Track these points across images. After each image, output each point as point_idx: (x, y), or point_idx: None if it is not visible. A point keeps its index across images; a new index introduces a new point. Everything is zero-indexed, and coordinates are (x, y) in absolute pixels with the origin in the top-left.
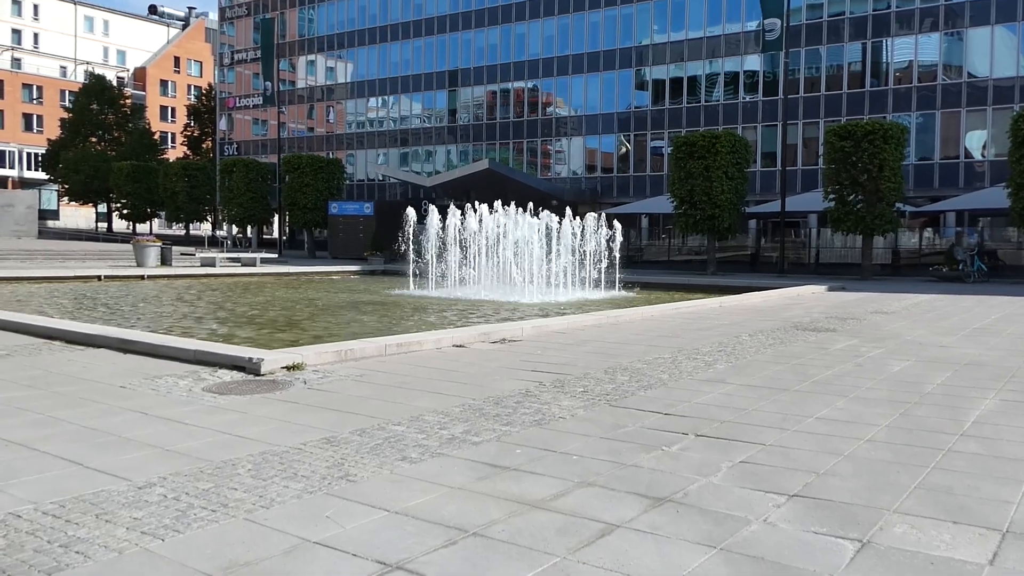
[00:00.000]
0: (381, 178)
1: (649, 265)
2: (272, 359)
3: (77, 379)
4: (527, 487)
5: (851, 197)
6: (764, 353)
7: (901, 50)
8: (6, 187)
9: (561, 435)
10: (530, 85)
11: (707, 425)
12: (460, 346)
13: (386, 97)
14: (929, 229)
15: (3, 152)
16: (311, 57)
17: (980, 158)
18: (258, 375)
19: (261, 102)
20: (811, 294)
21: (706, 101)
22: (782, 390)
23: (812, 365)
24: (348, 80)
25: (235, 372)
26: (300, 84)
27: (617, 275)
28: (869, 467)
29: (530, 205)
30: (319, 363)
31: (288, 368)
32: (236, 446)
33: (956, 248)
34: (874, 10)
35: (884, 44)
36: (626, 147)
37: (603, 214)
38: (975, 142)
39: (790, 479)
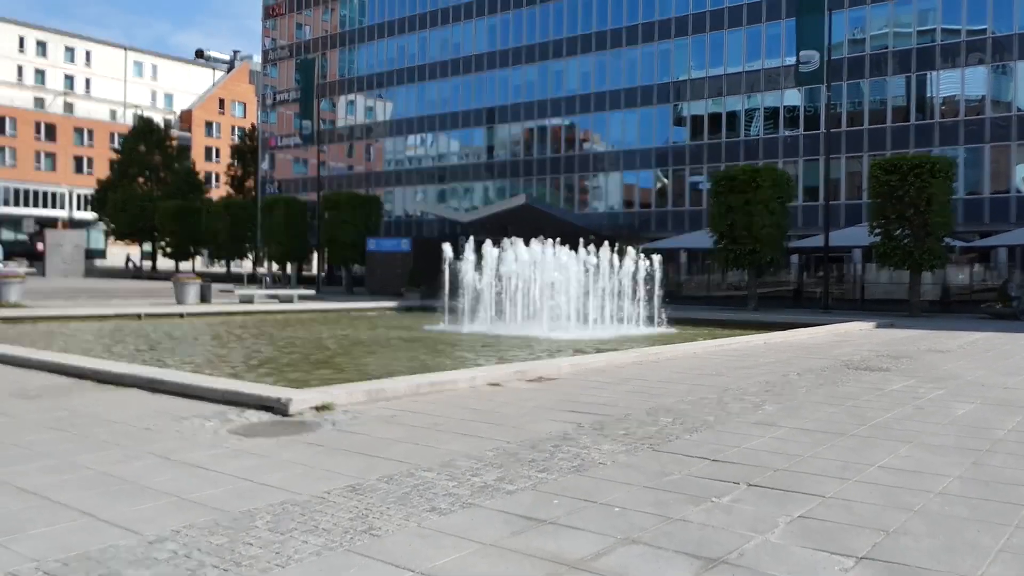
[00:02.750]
0: (419, 215)
1: (688, 300)
2: (301, 399)
3: (102, 420)
4: (565, 544)
5: (898, 232)
6: (816, 394)
7: (947, 84)
8: (56, 227)
9: (602, 483)
10: (567, 121)
11: (760, 473)
12: (495, 384)
13: (424, 135)
14: (979, 265)
15: (55, 194)
16: (351, 96)
17: None
18: (286, 416)
19: (301, 142)
20: (859, 331)
21: (745, 136)
22: (839, 435)
23: (869, 407)
24: (387, 118)
25: (263, 413)
26: (340, 123)
27: (656, 311)
28: (944, 525)
29: (567, 240)
30: (349, 403)
31: (317, 408)
32: (257, 494)
33: (1009, 284)
34: (918, 44)
35: (929, 78)
36: (664, 182)
37: (641, 249)
38: None
39: (857, 538)
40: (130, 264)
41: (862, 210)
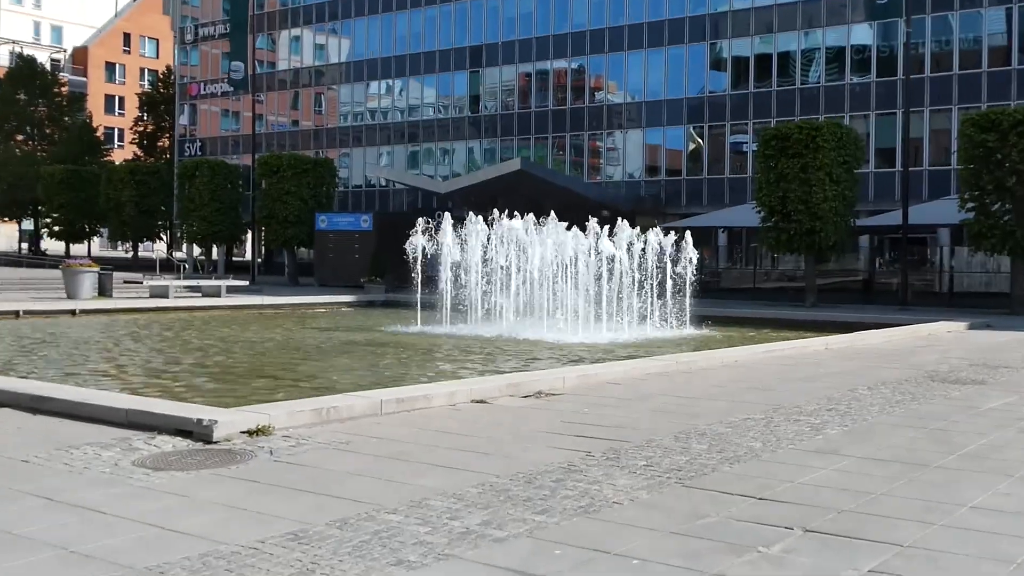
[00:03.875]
0: (383, 184)
1: (729, 294)
2: (228, 421)
3: None
4: None
5: (996, 207)
6: (891, 413)
7: None
8: None
9: (617, 529)
10: (574, 65)
11: (819, 516)
12: (481, 402)
13: (390, 81)
14: None
15: None
16: (295, 31)
17: None
18: (209, 442)
19: (232, 88)
20: (947, 333)
21: (802, 83)
22: (920, 466)
23: (958, 431)
24: (342, 60)
25: (179, 439)
26: (281, 65)
27: (688, 307)
28: None
29: (574, 216)
30: (292, 425)
31: (250, 433)
32: (169, 545)
33: None
34: None
35: None
36: (698, 143)
37: (668, 228)
38: None
39: None
40: (24, 248)
41: (950, 179)
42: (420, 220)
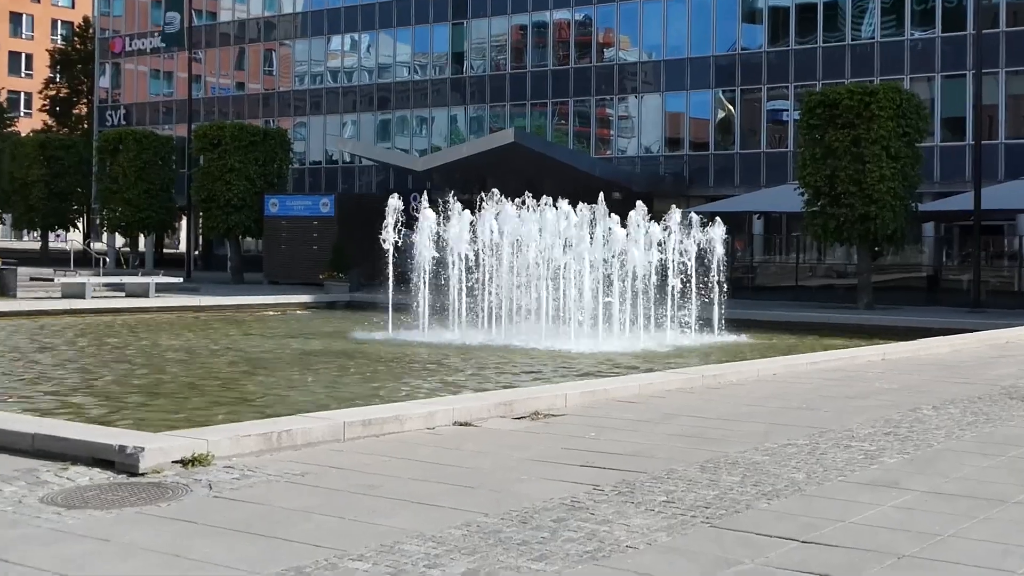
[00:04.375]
0: (348, 160)
1: (765, 293)
2: (158, 448)
3: None
4: None
5: None
6: (960, 438)
7: None
8: None
9: None
10: (579, 15)
11: (874, 562)
12: (466, 424)
13: (356, 35)
14: None
15: None
16: None
17: None
18: (135, 475)
19: (164, 45)
20: None
21: (853, 39)
22: (996, 502)
23: None
24: (298, 10)
25: (97, 470)
26: (224, 16)
27: (717, 309)
28: None
29: (578, 199)
30: (236, 453)
31: (184, 463)
32: None
33: None
34: None
35: None
36: (728, 110)
37: (693, 213)
38: None
39: None
40: None
41: None
42: (392, 203)
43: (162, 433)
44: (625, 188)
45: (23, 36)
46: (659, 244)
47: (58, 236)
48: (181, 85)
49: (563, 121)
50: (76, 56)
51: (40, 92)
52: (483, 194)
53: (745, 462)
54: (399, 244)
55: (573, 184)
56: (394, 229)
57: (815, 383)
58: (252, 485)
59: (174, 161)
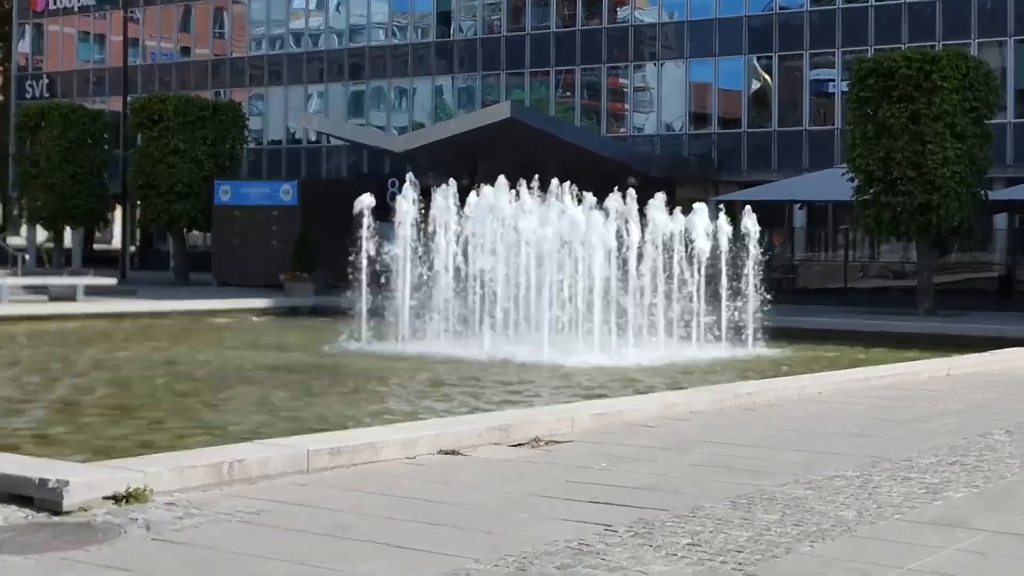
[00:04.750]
0: (314, 139)
1: (809, 296)
2: (86, 482)
3: None
4: None
5: None
6: None
7: None
8: None
9: None
10: None
11: None
12: (453, 453)
13: None
14: None
15: None
16: None
17: None
18: (58, 513)
19: (95, 1)
20: None
21: None
22: None
23: None
24: None
25: (13, 508)
26: None
27: (751, 316)
28: None
29: (587, 184)
30: (179, 488)
31: (118, 499)
32: None
33: None
34: None
35: None
36: (764, 80)
37: (721, 202)
38: None
39: None
40: None
41: None
42: (365, 200)
43: (91, 464)
44: (641, 173)
45: None
46: (689, 240)
47: None
48: (115, 50)
49: (568, 94)
50: None
51: None
52: (473, 180)
53: (784, 497)
54: (375, 240)
55: (581, 166)
56: (369, 224)
57: (867, 403)
58: (198, 526)
59: (107, 140)
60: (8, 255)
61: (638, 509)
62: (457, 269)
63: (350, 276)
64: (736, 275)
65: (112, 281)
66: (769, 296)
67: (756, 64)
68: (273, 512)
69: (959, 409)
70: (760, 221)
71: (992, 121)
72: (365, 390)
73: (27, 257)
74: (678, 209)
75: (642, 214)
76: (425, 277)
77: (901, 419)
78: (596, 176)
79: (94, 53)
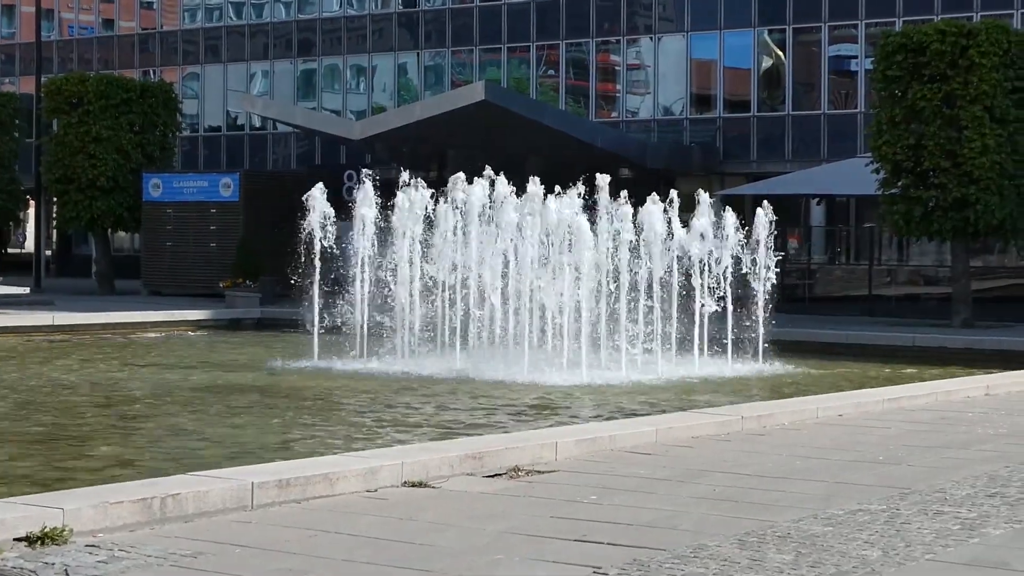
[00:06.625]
0: (258, 125)
1: (828, 305)
2: None
3: None
4: None
5: None
6: None
7: None
8: None
9: None
10: None
11: None
12: (420, 485)
13: None
14: None
15: None
16: None
17: None
18: None
19: None
20: None
21: None
22: None
23: None
24: None
25: None
26: None
27: (761, 328)
28: None
29: (572, 176)
30: (104, 527)
31: (31, 541)
32: None
33: None
34: None
35: None
36: (777, 57)
37: (725, 196)
38: None
39: None
40: None
41: None
42: (319, 185)
43: (4, 499)
44: (637, 164)
45: None
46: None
47: None
48: (27, 23)
49: (552, 72)
50: None
51: None
52: (441, 172)
53: (799, 535)
54: (327, 242)
55: (566, 156)
56: (322, 222)
57: (894, 427)
58: (124, 571)
59: (17, 127)
60: None
61: (632, 548)
62: (423, 278)
63: (300, 284)
64: (744, 281)
65: (24, 290)
66: (782, 305)
67: (767, 38)
68: (212, 555)
69: (999, 434)
70: (777, 221)
71: None
72: (318, 412)
73: None
74: (676, 205)
75: (636, 213)
76: (390, 286)
77: (933, 445)
78: (583, 166)
79: (2, 27)
